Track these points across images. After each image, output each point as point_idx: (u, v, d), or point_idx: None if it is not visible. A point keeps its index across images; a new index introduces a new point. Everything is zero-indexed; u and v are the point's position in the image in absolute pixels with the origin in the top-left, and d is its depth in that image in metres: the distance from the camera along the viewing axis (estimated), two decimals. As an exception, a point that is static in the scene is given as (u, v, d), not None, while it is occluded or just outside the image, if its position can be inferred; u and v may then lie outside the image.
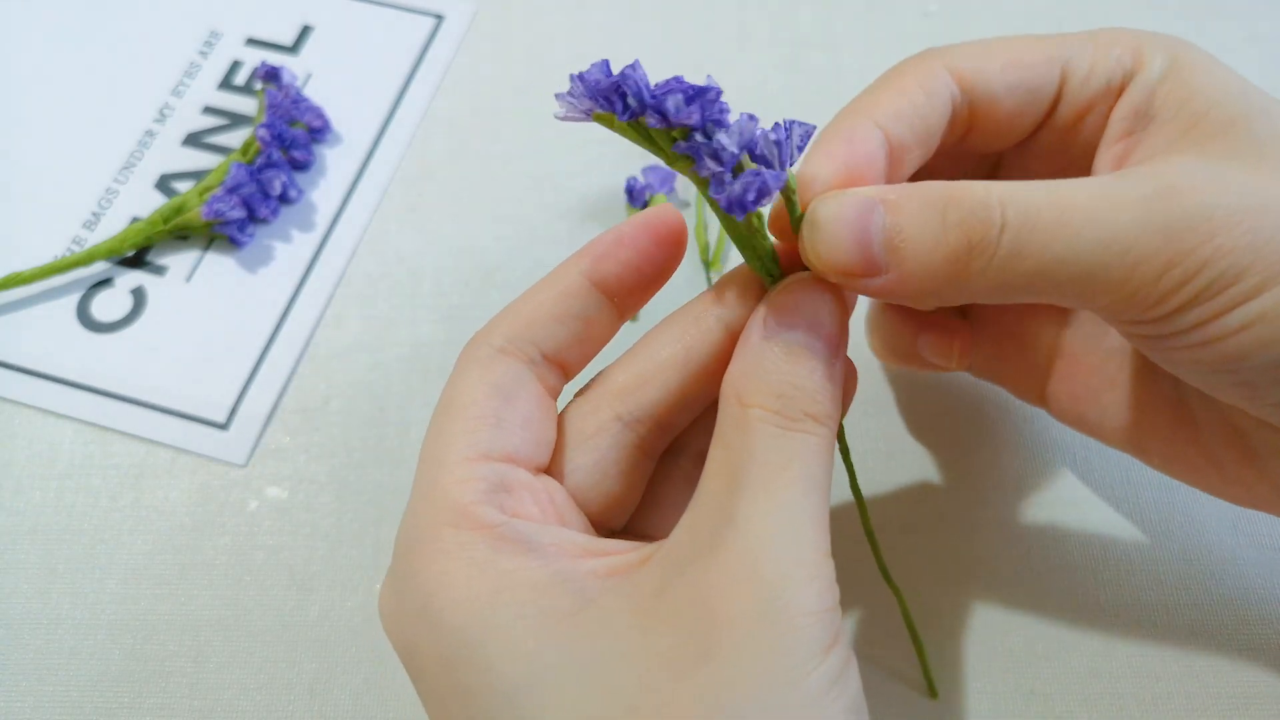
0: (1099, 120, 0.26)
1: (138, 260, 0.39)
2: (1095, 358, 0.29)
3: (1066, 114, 0.27)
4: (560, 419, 0.25)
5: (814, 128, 0.22)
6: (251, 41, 0.44)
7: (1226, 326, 0.22)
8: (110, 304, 0.38)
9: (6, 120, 0.42)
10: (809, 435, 0.22)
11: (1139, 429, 0.28)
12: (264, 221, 0.39)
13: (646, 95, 0.21)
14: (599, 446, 0.24)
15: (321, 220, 0.40)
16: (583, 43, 0.44)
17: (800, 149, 0.22)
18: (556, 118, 0.22)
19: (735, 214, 0.22)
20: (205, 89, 0.42)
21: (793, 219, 0.23)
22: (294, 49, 0.44)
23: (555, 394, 0.25)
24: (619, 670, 0.20)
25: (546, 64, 0.43)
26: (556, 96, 0.22)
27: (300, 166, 0.40)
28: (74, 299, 0.38)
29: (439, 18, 0.44)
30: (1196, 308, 0.22)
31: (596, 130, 0.41)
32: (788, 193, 0.23)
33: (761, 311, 0.23)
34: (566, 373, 0.25)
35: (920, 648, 0.29)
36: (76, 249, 0.39)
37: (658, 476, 0.26)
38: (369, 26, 0.44)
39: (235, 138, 0.41)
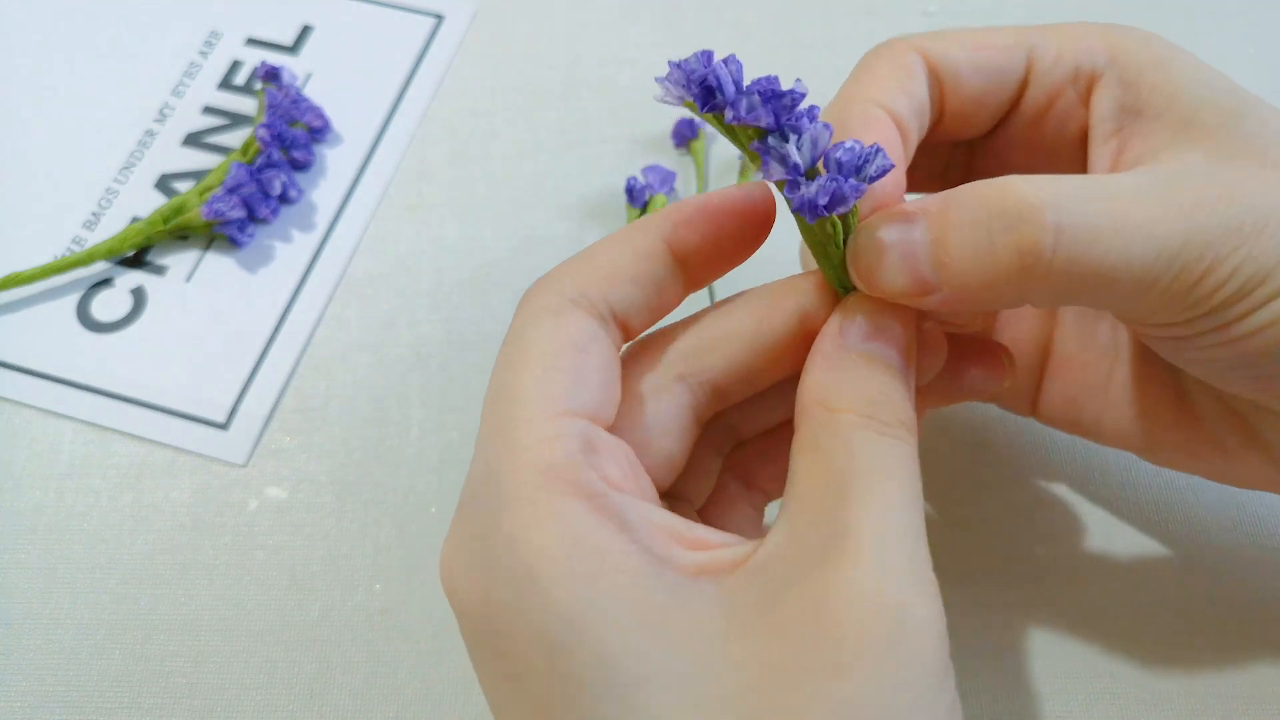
0: (1070, 108, 0.26)
1: (138, 260, 0.39)
2: (1089, 355, 0.29)
3: (1035, 98, 0.26)
4: (623, 372, 0.24)
5: (893, 166, 0.22)
6: (251, 41, 0.44)
7: (1250, 326, 0.22)
8: (110, 304, 0.38)
9: (6, 120, 0.42)
10: (904, 444, 0.21)
11: (1140, 422, 0.28)
12: (264, 221, 0.39)
13: (729, 90, 0.21)
14: (661, 405, 0.23)
15: (321, 220, 0.40)
16: (583, 43, 0.44)
17: (875, 178, 0.22)
18: (656, 99, 0.22)
19: (806, 216, 0.21)
20: (205, 89, 0.42)
21: (836, 238, 0.23)
22: (294, 49, 0.44)
23: (619, 350, 0.24)
24: (730, 683, 0.19)
25: (546, 64, 0.43)
26: (657, 80, 0.22)
27: (300, 166, 0.40)
28: (74, 299, 0.38)
29: (439, 18, 0.44)
30: (1225, 310, 0.22)
31: (596, 130, 0.42)
32: (849, 215, 0.23)
33: (837, 321, 0.23)
34: (628, 336, 0.24)
35: None
36: (76, 249, 0.39)
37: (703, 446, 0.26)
38: (369, 26, 0.44)
39: (235, 138, 0.41)
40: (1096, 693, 0.30)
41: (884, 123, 0.24)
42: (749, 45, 0.43)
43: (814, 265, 0.24)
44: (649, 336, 0.24)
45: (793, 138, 0.21)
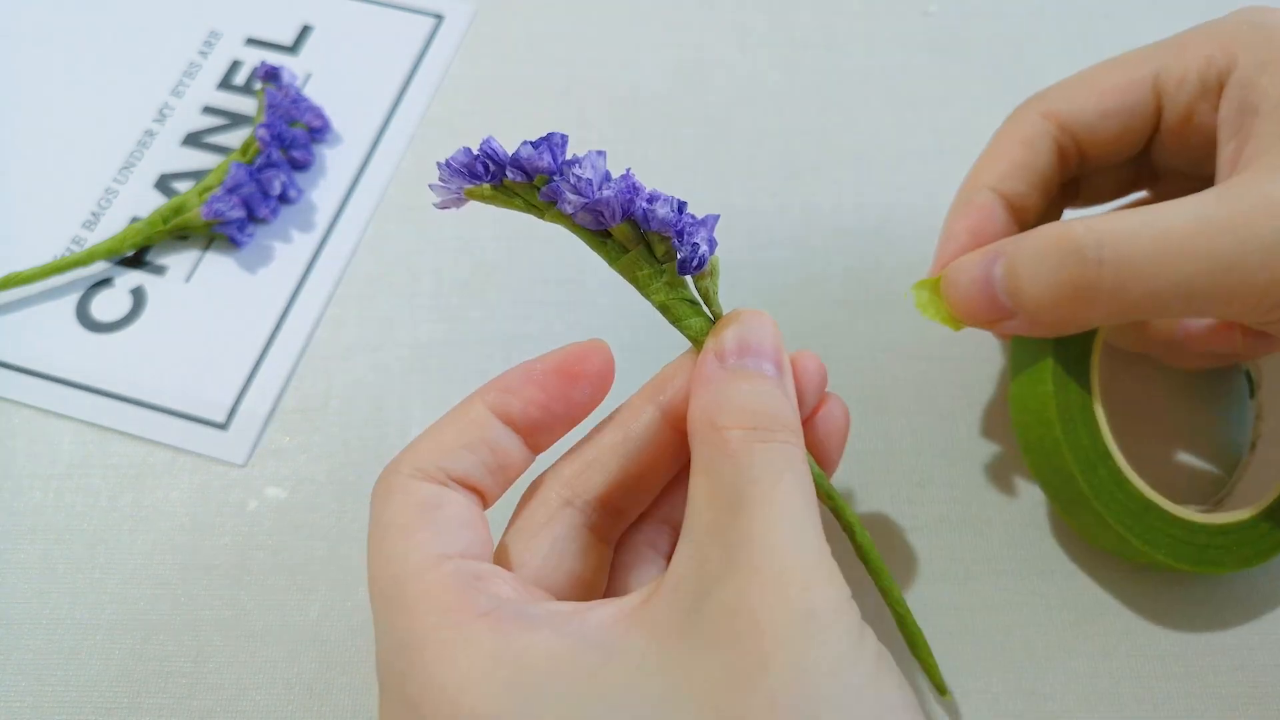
0: (1206, 117, 0.28)
1: (137, 260, 0.39)
2: None
3: (1172, 120, 0.29)
4: (515, 513, 0.26)
5: (712, 219, 0.24)
6: (251, 41, 0.44)
7: None
8: (110, 304, 0.38)
9: (6, 120, 0.42)
10: (789, 445, 0.23)
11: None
12: (264, 221, 0.39)
13: (503, 155, 0.24)
14: (553, 532, 0.25)
15: (321, 220, 0.40)
16: (583, 43, 0.44)
17: (692, 231, 0.24)
18: (435, 206, 0.24)
19: (687, 273, 0.24)
20: (205, 89, 0.42)
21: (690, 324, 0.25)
22: (294, 49, 0.44)
23: (480, 498, 0.25)
24: (675, 707, 0.19)
25: (546, 64, 0.43)
26: (430, 186, 0.24)
27: (300, 166, 0.40)
28: (74, 299, 0.38)
29: (439, 18, 0.44)
30: None
31: (596, 130, 0.42)
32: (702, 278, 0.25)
33: (711, 345, 0.24)
34: (484, 499, 0.25)
35: (927, 650, 0.29)
36: (76, 249, 0.39)
37: (620, 566, 0.27)
38: (369, 26, 0.44)
39: (235, 138, 0.41)
40: (1096, 693, 0.30)
41: (983, 206, 0.29)
42: (749, 45, 0.43)
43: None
44: (541, 475, 0.26)
45: (573, 168, 0.24)
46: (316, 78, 0.43)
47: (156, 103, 0.42)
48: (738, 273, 0.38)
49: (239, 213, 0.38)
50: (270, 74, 0.41)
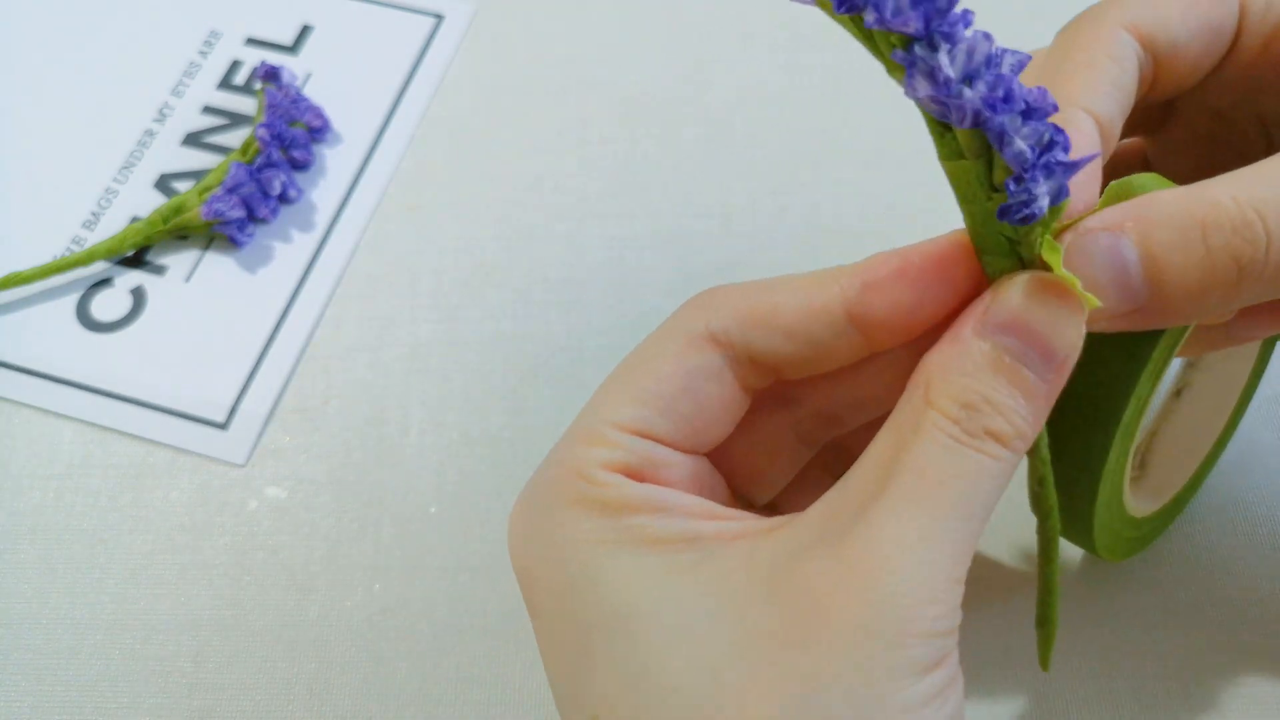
0: None
1: (137, 260, 0.39)
2: None
3: (1248, 48, 0.25)
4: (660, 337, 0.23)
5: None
6: (251, 41, 0.44)
7: None
8: (110, 304, 0.38)
9: (6, 120, 0.42)
10: (985, 457, 0.19)
11: None
12: (264, 221, 0.39)
13: None
14: (694, 362, 0.22)
15: (321, 220, 0.40)
16: (583, 43, 0.44)
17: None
18: None
19: (957, 121, 0.19)
20: (205, 89, 0.42)
21: (981, 175, 0.20)
22: (294, 49, 0.44)
23: (750, 390, 0.23)
24: (715, 634, 0.19)
25: (546, 64, 0.43)
26: None
27: (300, 166, 0.40)
28: (73, 299, 0.38)
29: (439, 18, 0.44)
30: None
31: (596, 130, 0.42)
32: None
33: (985, 301, 0.21)
34: (776, 378, 0.23)
35: (1053, 629, 0.27)
36: (76, 249, 0.39)
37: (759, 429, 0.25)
38: (369, 26, 0.44)
39: (235, 137, 0.41)
40: (1096, 693, 0.30)
41: (1087, 135, 0.23)
42: (749, 45, 0.43)
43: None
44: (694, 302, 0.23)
45: (944, 47, 0.18)
46: (316, 78, 0.43)
47: (156, 102, 0.42)
48: (738, 273, 0.37)
49: (239, 213, 0.38)
50: (270, 74, 0.41)
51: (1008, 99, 0.18)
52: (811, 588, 0.19)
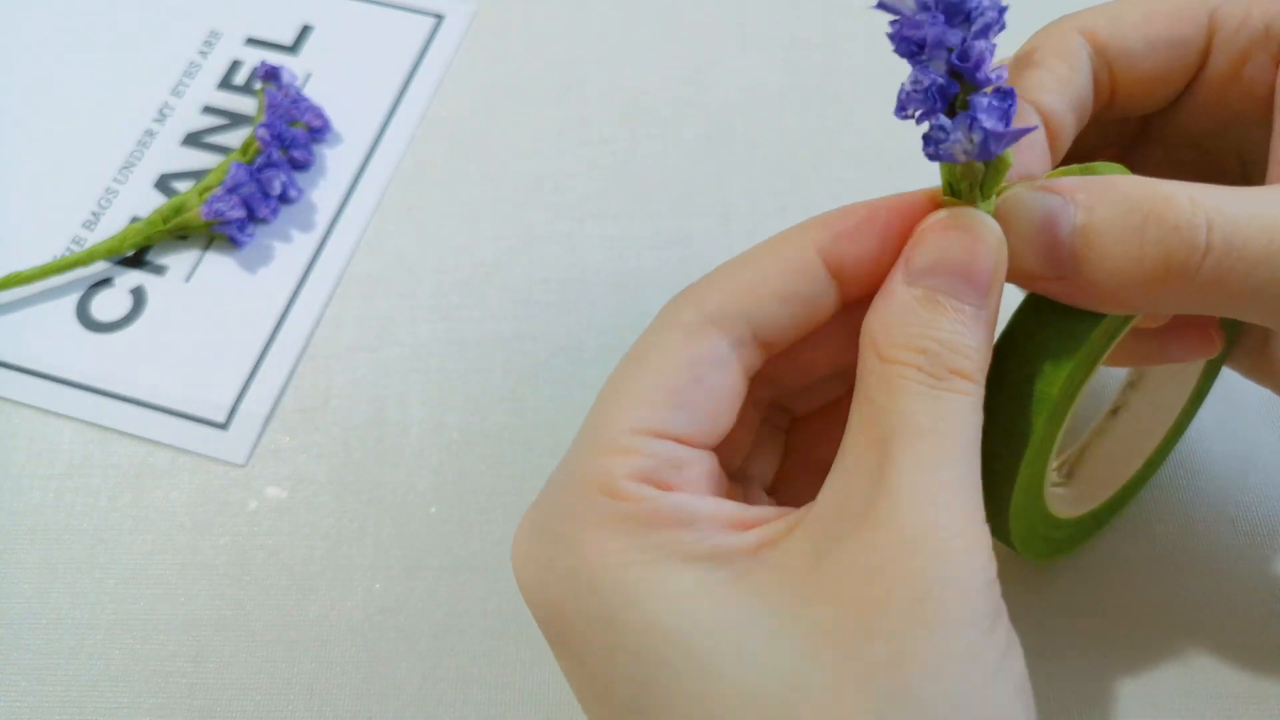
0: (1259, 71, 0.24)
1: (137, 260, 0.39)
2: None
3: (1220, 66, 0.25)
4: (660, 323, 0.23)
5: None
6: (251, 41, 0.44)
7: None
8: (110, 304, 0.38)
9: (6, 120, 0.42)
10: (957, 394, 0.20)
11: None
12: (264, 221, 0.39)
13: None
14: (699, 351, 0.22)
15: (321, 220, 0.40)
16: (583, 43, 0.44)
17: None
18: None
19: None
20: (205, 89, 0.42)
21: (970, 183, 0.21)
22: (294, 49, 0.44)
23: (750, 374, 0.22)
24: (778, 644, 0.19)
25: (546, 64, 0.43)
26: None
27: (300, 166, 0.40)
28: (74, 299, 0.38)
29: (439, 18, 0.44)
30: None
31: (596, 130, 0.42)
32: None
33: (909, 250, 0.21)
34: (768, 353, 0.22)
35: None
36: (76, 249, 0.39)
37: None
38: (369, 26, 0.44)
39: (235, 137, 0.41)
40: (1096, 693, 0.30)
41: (1024, 120, 0.23)
42: (749, 45, 0.43)
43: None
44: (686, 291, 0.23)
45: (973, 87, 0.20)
46: (316, 78, 0.43)
47: (156, 102, 0.42)
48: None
49: (239, 213, 0.38)
50: (270, 74, 0.41)
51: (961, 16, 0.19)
52: (856, 579, 0.19)
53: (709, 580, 0.19)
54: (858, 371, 0.21)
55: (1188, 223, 0.20)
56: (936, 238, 0.21)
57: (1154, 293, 0.21)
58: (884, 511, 0.19)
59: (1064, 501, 0.29)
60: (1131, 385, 0.32)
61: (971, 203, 0.22)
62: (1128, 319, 0.24)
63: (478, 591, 0.32)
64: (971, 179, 0.21)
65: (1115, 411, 0.32)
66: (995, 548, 0.20)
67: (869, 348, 0.21)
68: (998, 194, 0.22)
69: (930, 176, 0.23)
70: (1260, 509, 0.33)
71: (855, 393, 0.21)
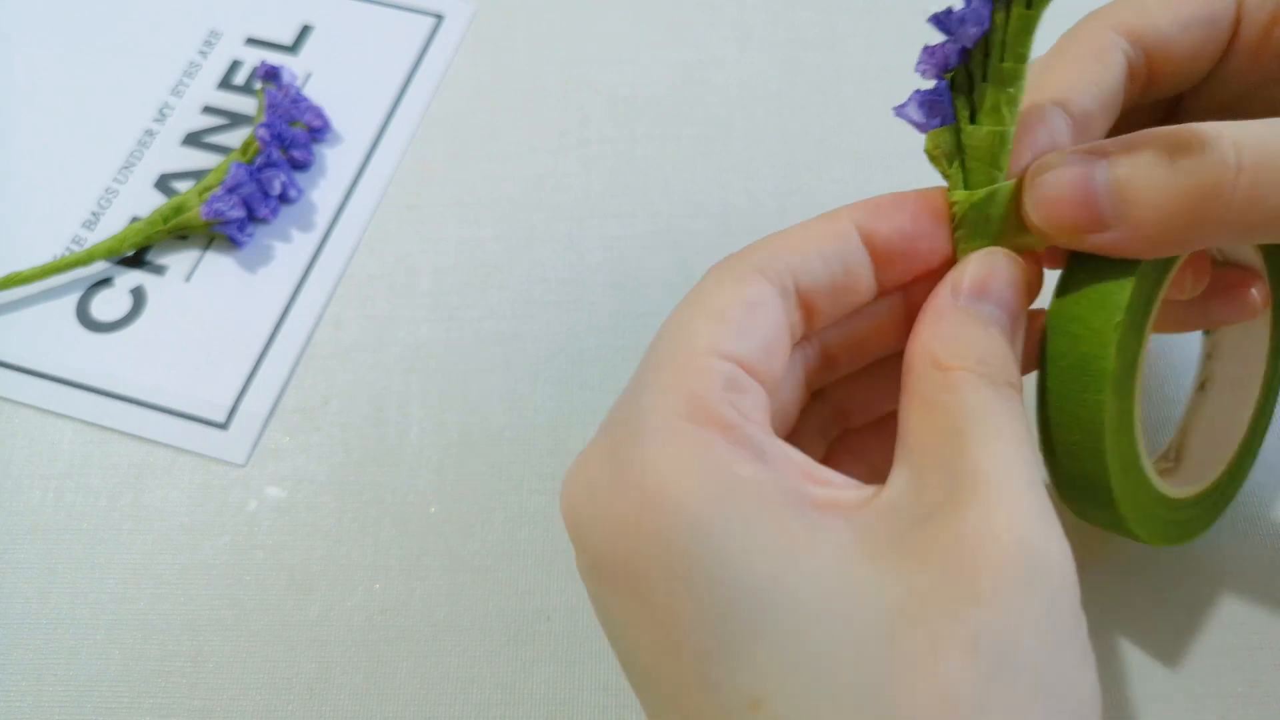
0: None
1: (137, 260, 0.39)
2: None
3: (1250, 36, 0.26)
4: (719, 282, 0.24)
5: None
6: (251, 41, 0.44)
7: None
8: (110, 304, 0.38)
9: (6, 120, 0.42)
10: (1012, 398, 0.21)
11: None
12: (264, 221, 0.39)
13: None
14: (763, 315, 0.23)
15: (321, 220, 0.40)
16: (583, 43, 0.44)
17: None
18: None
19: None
20: (205, 88, 0.42)
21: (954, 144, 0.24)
22: (294, 49, 0.44)
23: (794, 328, 0.23)
24: (870, 600, 0.19)
25: (546, 64, 0.43)
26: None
27: (300, 166, 0.40)
28: (73, 299, 0.38)
29: (439, 18, 0.44)
30: None
31: (596, 130, 0.42)
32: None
33: (949, 281, 0.23)
34: (810, 320, 0.23)
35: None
36: (76, 249, 0.39)
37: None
38: (369, 26, 0.44)
39: (235, 137, 0.41)
40: (1103, 693, 0.30)
41: (1056, 128, 0.25)
42: (749, 45, 0.43)
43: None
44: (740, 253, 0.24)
45: None
46: (316, 78, 0.43)
47: (156, 102, 0.42)
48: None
49: (239, 212, 0.38)
50: (270, 74, 0.41)
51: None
52: (951, 546, 0.19)
53: (785, 527, 0.20)
54: (905, 383, 0.22)
55: (1216, 148, 0.21)
56: (980, 265, 0.23)
57: (1194, 224, 0.22)
58: (975, 497, 0.19)
59: (1179, 483, 0.29)
60: (1210, 357, 0.32)
61: (957, 178, 0.24)
62: (1161, 278, 0.25)
63: (478, 591, 0.32)
64: (954, 150, 0.24)
65: (1203, 386, 0.32)
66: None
67: (923, 359, 0.22)
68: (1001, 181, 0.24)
69: (928, 178, 0.23)
70: (1260, 509, 0.33)
71: (904, 403, 0.22)
